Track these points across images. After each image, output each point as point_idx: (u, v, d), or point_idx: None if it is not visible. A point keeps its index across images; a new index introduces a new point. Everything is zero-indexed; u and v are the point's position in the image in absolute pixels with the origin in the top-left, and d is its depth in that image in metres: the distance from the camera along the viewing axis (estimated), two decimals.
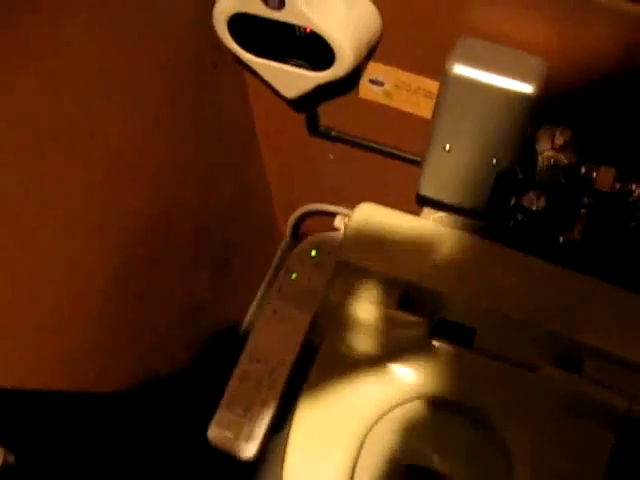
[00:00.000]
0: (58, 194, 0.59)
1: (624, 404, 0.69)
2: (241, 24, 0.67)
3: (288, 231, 1.02)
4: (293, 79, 0.71)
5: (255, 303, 1.06)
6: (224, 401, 0.82)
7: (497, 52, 0.60)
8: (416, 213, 0.80)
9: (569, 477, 0.71)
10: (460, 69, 0.59)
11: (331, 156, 0.91)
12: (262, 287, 1.07)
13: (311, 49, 0.66)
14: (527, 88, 0.57)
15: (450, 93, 0.61)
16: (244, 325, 1.03)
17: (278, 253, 1.09)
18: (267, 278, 1.07)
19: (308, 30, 0.64)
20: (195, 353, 0.96)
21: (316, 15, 0.62)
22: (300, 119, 0.86)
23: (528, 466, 0.72)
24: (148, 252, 0.76)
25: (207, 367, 0.98)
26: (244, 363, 0.84)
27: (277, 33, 0.66)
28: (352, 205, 0.81)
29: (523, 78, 0.58)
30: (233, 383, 0.83)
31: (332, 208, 0.95)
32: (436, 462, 0.81)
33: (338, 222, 1.00)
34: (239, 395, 0.83)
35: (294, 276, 0.89)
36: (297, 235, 1.02)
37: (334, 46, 0.64)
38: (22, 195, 0.55)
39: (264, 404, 0.82)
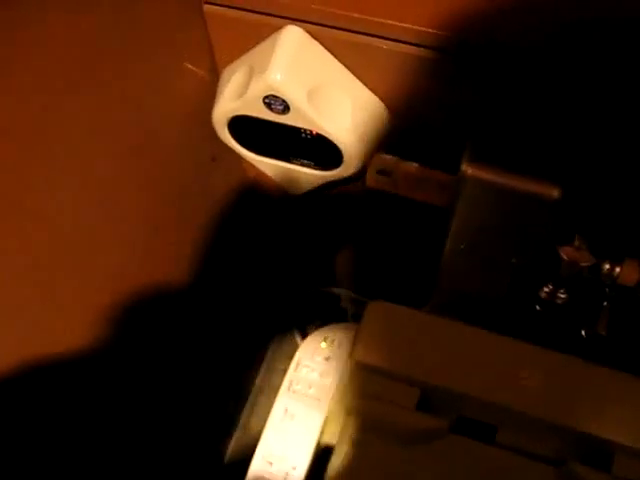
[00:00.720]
0: None
1: None
2: (242, 124, 0.65)
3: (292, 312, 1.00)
4: (298, 178, 0.68)
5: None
6: None
7: (516, 151, 0.58)
8: (425, 301, 0.78)
9: None
10: (478, 172, 0.57)
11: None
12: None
13: (317, 150, 0.64)
14: (550, 192, 0.55)
15: (467, 195, 0.59)
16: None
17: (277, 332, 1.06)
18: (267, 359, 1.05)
19: (314, 133, 0.62)
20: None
21: (322, 119, 0.60)
22: None
23: None
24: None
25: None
26: (256, 466, 0.80)
27: (281, 135, 0.64)
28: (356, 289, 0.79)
29: (546, 181, 0.55)
30: None
31: (337, 291, 0.92)
32: None
33: (344, 303, 0.98)
34: None
35: (304, 371, 0.86)
36: (301, 319, 0.99)
37: (342, 148, 0.62)
38: None
39: None
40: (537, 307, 0.68)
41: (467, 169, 0.57)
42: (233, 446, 0.98)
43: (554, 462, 0.70)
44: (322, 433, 0.83)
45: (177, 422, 0.85)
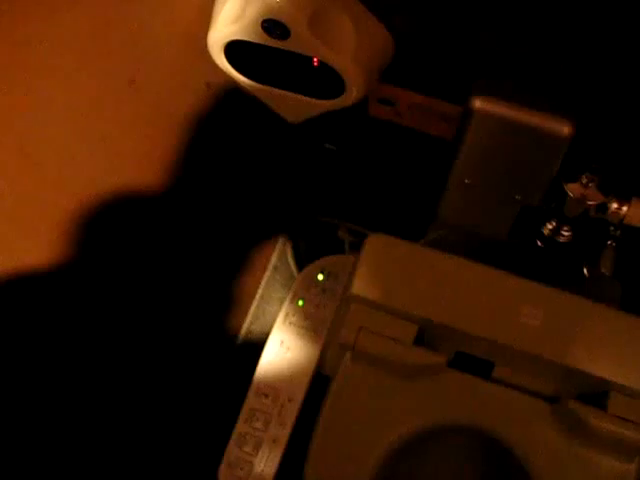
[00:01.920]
0: None
1: None
2: (239, 50, 0.62)
3: (287, 240, 0.98)
4: (298, 106, 0.66)
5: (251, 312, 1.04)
6: (233, 440, 0.79)
7: (527, 85, 0.55)
8: (422, 233, 0.77)
9: None
10: (486, 105, 0.54)
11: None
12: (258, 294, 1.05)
13: (318, 78, 0.61)
14: (561, 128, 0.53)
15: (475, 129, 0.56)
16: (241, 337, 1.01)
17: (273, 259, 1.05)
18: (263, 284, 1.04)
19: (315, 60, 0.59)
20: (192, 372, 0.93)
21: (324, 45, 0.57)
22: None
23: None
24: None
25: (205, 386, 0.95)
26: (251, 399, 0.80)
27: (280, 61, 0.61)
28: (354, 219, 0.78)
29: (556, 117, 0.53)
30: (241, 421, 0.79)
31: (334, 220, 0.91)
32: None
33: (342, 233, 0.96)
34: (248, 434, 0.80)
35: (301, 303, 0.85)
36: (297, 248, 0.98)
37: (344, 77, 0.59)
38: None
39: (275, 442, 0.79)
40: (539, 243, 0.66)
41: (475, 102, 0.54)
42: (226, 377, 0.98)
43: (550, 399, 0.70)
44: (318, 365, 0.83)
45: (163, 357, 0.85)
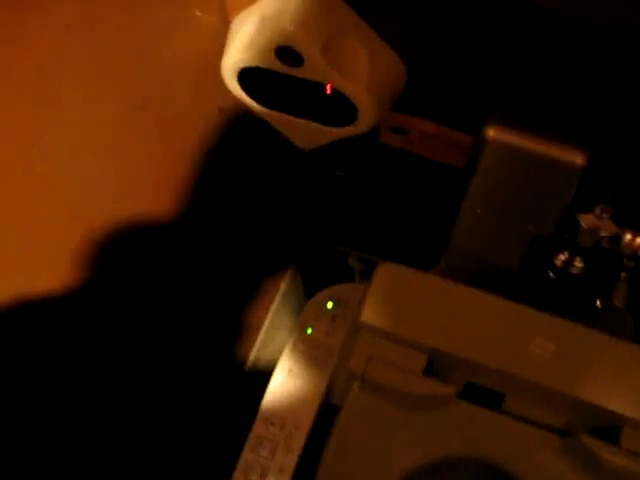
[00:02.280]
0: None
1: None
2: (253, 76, 0.62)
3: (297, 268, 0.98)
4: (310, 133, 0.66)
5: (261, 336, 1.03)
6: (239, 468, 0.78)
7: (541, 114, 0.55)
8: (433, 263, 0.76)
9: None
10: (500, 135, 0.54)
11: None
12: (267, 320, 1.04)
13: (330, 105, 0.61)
14: (575, 158, 0.53)
15: (487, 158, 0.56)
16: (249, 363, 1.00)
17: (282, 287, 1.05)
18: (272, 311, 1.04)
19: (328, 87, 0.59)
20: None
21: (338, 73, 0.57)
22: None
23: None
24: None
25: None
26: (258, 427, 0.79)
27: (293, 88, 0.61)
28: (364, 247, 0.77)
29: (570, 147, 0.53)
30: (247, 449, 0.78)
31: (344, 248, 0.91)
32: None
33: (352, 261, 0.96)
34: (254, 462, 0.79)
35: (310, 331, 0.84)
36: (307, 275, 0.98)
37: (357, 104, 0.59)
38: None
39: (281, 471, 0.78)
40: (551, 275, 0.65)
41: (489, 131, 0.54)
42: (234, 404, 0.97)
43: (561, 432, 0.69)
44: (326, 394, 0.82)
45: (171, 384, 0.84)
